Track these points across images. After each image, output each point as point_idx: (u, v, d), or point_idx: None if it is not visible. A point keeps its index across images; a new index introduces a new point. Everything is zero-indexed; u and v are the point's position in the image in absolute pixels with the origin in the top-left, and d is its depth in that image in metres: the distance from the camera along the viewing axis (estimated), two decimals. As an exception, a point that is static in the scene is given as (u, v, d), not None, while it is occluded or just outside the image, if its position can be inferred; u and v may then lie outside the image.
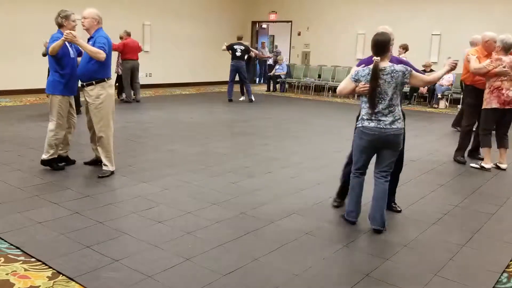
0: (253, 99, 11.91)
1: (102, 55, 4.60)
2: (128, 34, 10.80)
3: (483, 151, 6.04)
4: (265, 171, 5.41)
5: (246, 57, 11.89)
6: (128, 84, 10.91)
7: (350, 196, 3.87)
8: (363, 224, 3.87)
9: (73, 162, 5.31)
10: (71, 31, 4.57)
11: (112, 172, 4.97)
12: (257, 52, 12.43)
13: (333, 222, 3.90)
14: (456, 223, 4.02)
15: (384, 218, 3.69)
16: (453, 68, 3.79)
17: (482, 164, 5.88)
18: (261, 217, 3.92)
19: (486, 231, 3.83)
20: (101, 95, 4.81)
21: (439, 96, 12.33)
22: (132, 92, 11.12)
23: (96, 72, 4.76)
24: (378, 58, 3.52)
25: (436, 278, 2.99)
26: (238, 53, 11.71)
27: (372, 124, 3.58)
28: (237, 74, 11.82)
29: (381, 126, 3.56)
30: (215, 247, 3.31)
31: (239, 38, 12.08)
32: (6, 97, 10.67)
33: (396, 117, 3.57)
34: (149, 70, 13.87)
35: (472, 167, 5.93)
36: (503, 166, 5.84)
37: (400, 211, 4.18)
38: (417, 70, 3.84)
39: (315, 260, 3.19)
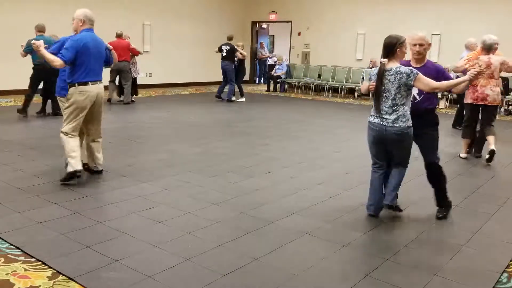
0: (232, 99, 11.87)
1: (55, 63, 4.46)
2: (118, 35, 10.46)
3: (462, 141, 6.47)
4: (265, 171, 5.41)
5: (236, 58, 11.86)
6: (115, 84, 10.73)
7: (369, 190, 4.05)
8: (363, 224, 3.88)
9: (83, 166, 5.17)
10: (35, 41, 4.45)
11: (72, 173, 4.55)
12: (244, 54, 12.24)
13: (333, 222, 3.90)
14: (456, 223, 4.02)
15: (393, 195, 3.89)
16: (471, 79, 3.77)
17: (460, 154, 6.46)
18: (261, 217, 3.92)
19: (486, 231, 3.83)
20: (69, 99, 4.65)
21: (439, 96, 12.33)
22: (121, 94, 10.82)
23: (67, 77, 4.65)
24: (385, 59, 3.71)
25: (436, 278, 2.99)
26: (224, 54, 11.76)
27: (376, 120, 3.79)
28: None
29: (383, 124, 3.74)
30: (215, 247, 3.31)
31: (229, 39, 12.00)
32: (6, 97, 10.67)
33: (399, 116, 3.68)
34: (149, 70, 13.86)
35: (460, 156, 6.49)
36: (491, 147, 5.98)
37: (401, 211, 4.18)
38: (448, 77, 3.96)
39: (315, 260, 3.19)
